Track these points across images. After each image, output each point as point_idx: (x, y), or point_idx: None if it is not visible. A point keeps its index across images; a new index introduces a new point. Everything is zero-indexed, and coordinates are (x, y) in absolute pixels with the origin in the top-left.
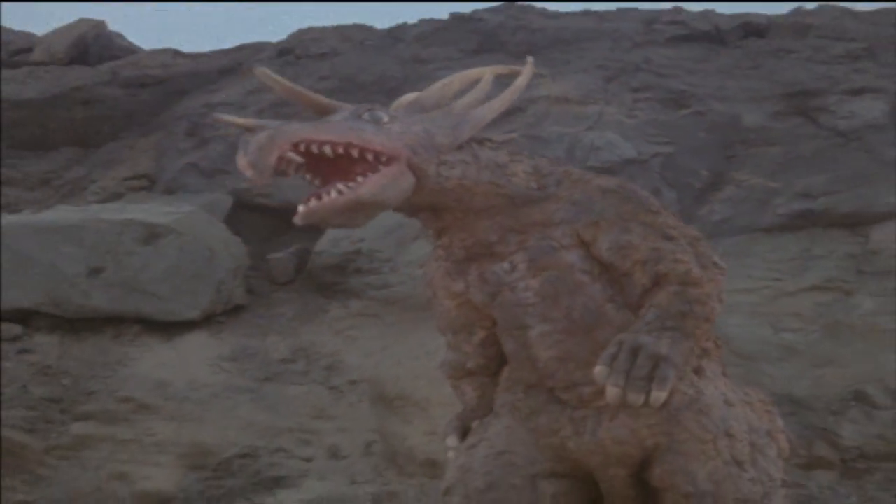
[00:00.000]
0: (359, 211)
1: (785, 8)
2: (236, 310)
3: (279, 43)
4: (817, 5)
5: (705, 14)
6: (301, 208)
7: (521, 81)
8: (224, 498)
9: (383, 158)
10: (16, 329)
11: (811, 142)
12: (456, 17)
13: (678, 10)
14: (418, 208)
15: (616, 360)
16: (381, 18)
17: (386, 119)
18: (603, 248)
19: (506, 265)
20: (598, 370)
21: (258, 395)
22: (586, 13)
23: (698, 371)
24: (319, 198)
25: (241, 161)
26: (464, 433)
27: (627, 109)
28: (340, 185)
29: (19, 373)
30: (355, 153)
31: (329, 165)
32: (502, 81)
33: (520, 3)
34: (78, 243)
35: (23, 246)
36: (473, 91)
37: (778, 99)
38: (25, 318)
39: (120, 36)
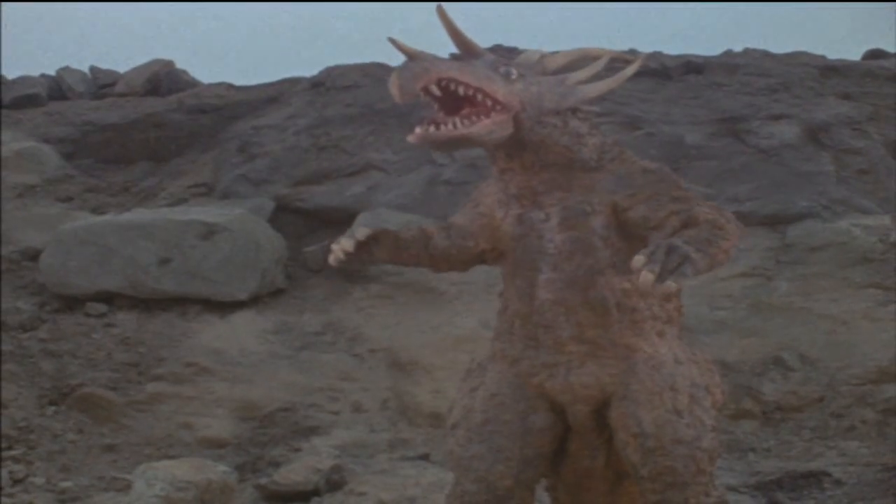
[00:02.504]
0: (462, 143)
1: (718, 50)
2: (278, 292)
3: (312, 77)
4: (743, 48)
5: (654, 55)
6: (418, 130)
7: (627, 71)
8: (269, 443)
9: (497, 107)
10: (102, 308)
11: (740, 157)
12: (457, 57)
13: (633, 52)
14: (500, 147)
15: (654, 254)
16: (397, 57)
17: (514, 76)
18: (640, 210)
19: (542, 214)
20: (637, 259)
21: (295, 361)
22: (560, 54)
23: (660, 334)
24: (437, 127)
25: (393, 83)
26: (373, 237)
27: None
28: (457, 120)
29: (105, 342)
30: (480, 97)
31: (450, 97)
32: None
33: (507, 46)
34: (151, 238)
35: (107, 241)
36: (588, 68)
37: (713, 123)
38: (110, 298)
39: (185, 72)
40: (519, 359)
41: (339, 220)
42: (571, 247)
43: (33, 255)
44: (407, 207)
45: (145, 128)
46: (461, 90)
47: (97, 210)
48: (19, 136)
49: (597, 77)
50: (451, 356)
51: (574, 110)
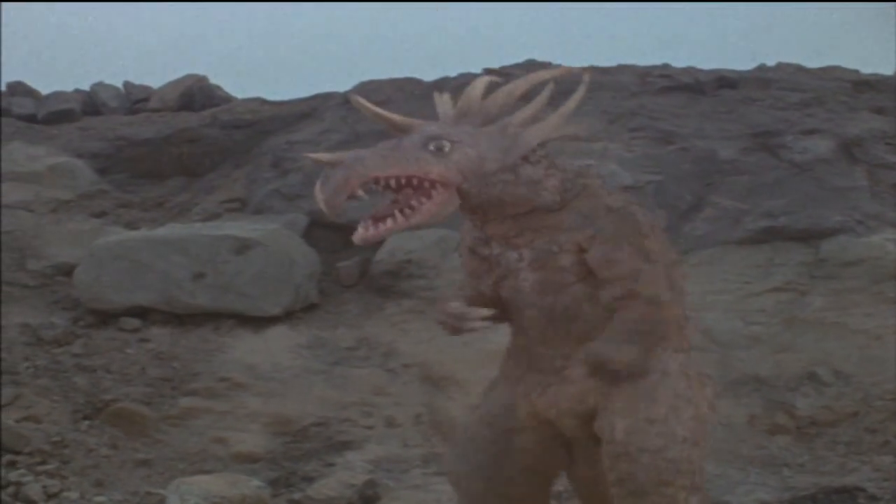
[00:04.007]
0: (414, 228)
1: (751, 65)
2: (311, 307)
3: (345, 92)
4: (777, 63)
5: (688, 70)
6: (360, 230)
7: (570, 105)
8: (302, 458)
9: (437, 186)
10: (136, 322)
11: (773, 172)
12: (488, 72)
13: (666, 66)
14: (463, 211)
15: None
16: (427, 72)
17: (447, 148)
18: (594, 256)
19: (516, 254)
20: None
21: (329, 376)
22: (592, 68)
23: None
24: (377, 224)
25: (319, 197)
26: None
27: (626, 146)
28: (397, 214)
29: (139, 357)
30: (415, 182)
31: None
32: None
33: (540, 60)
34: (185, 253)
35: (141, 256)
36: (531, 105)
37: (746, 137)
38: (144, 313)
39: (218, 88)
40: (520, 379)
41: None
42: (543, 287)
43: (67, 271)
44: (440, 223)
45: (179, 143)
46: (392, 183)
47: (131, 225)
48: (53, 151)
49: (542, 110)
50: (484, 371)
51: (524, 157)
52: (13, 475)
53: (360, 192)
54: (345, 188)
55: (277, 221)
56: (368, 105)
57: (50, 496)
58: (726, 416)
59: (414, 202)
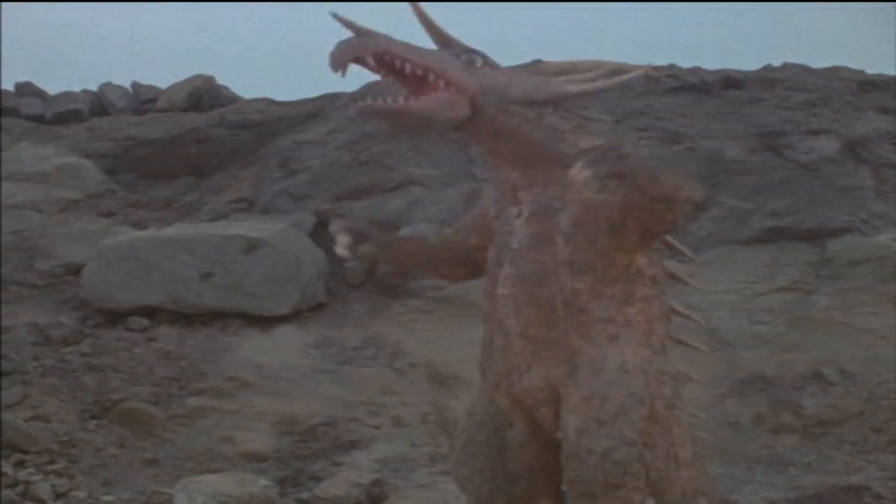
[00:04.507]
0: (407, 121)
1: (757, 65)
2: (319, 307)
3: (352, 92)
4: (782, 63)
5: (694, 70)
6: (360, 103)
7: (621, 77)
8: (309, 457)
9: (452, 89)
10: (144, 322)
11: (779, 172)
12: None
13: (673, 67)
14: (479, 136)
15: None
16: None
17: (478, 63)
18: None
19: (516, 210)
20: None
21: (336, 375)
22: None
23: (612, 338)
24: (375, 99)
25: (330, 53)
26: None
27: (633, 146)
28: (401, 97)
29: (147, 357)
30: (431, 77)
31: (410, 79)
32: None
33: (546, 61)
34: (192, 253)
35: (149, 255)
36: (582, 75)
37: (752, 137)
38: (151, 313)
39: (226, 88)
40: (486, 369)
41: None
42: (531, 242)
43: (75, 270)
44: (447, 222)
45: (186, 143)
46: (408, 67)
47: (139, 225)
48: (61, 151)
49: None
50: None
51: (556, 107)
52: (22, 474)
53: (370, 59)
54: (357, 49)
55: (285, 221)
56: (424, 12)
57: (58, 495)
58: (733, 415)
59: (422, 97)
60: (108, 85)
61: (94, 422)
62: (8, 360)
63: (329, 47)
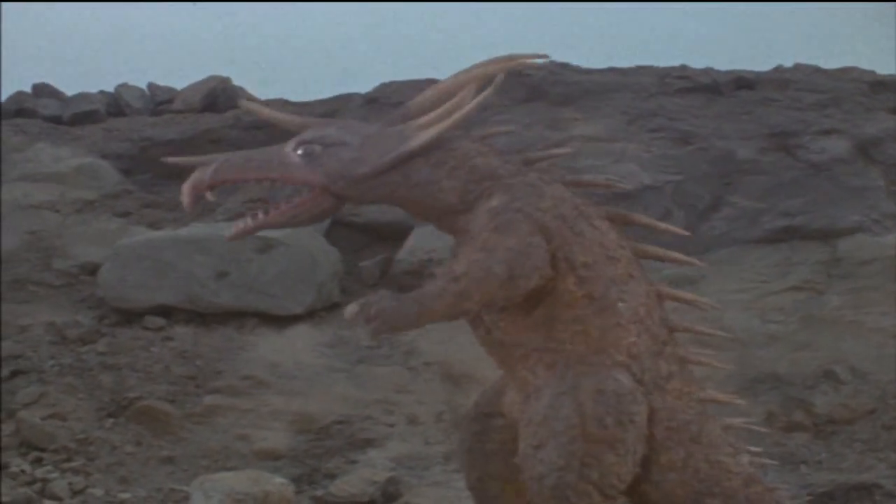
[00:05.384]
0: (279, 228)
1: (769, 66)
2: (334, 306)
3: (366, 94)
4: (794, 64)
5: (706, 70)
6: (231, 229)
7: (464, 110)
8: (324, 456)
9: (304, 189)
10: (160, 321)
11: (790, 172)
12: (508, 73)
13: (685, 67)
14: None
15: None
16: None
17: (317, 152)
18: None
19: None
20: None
21: (351, 374)
22: (612, 69)
23: (549, 365)
24: (242, 221)
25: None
26: None
27: (645, 146)
28: (260, 213)
29: (163, 355)
30: (279, 184)
31: None
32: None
33: (559, 61)
34: (208, 253)
35: (165, 255)
36: (444, 106)
37: (764, 138)
38: (167, 312)
39: (242, 89)
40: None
41: (394, 235)
42: None
43: (92, 270)
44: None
45: (202, 144)
46: (252, 183)
47: (155, 225)
48: (78, 151)
49: (463, 103)
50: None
51: (426, 159)
52: (39, 472)
53: (209, 195)
54: (194, 188)
55: None
56: (261, 109)
57: (75, 493)
58: (744, 413)
59: (283, 205)
60: (125, 86)
61: (111, 420)
62: (25, 358)
63: (344, 47)
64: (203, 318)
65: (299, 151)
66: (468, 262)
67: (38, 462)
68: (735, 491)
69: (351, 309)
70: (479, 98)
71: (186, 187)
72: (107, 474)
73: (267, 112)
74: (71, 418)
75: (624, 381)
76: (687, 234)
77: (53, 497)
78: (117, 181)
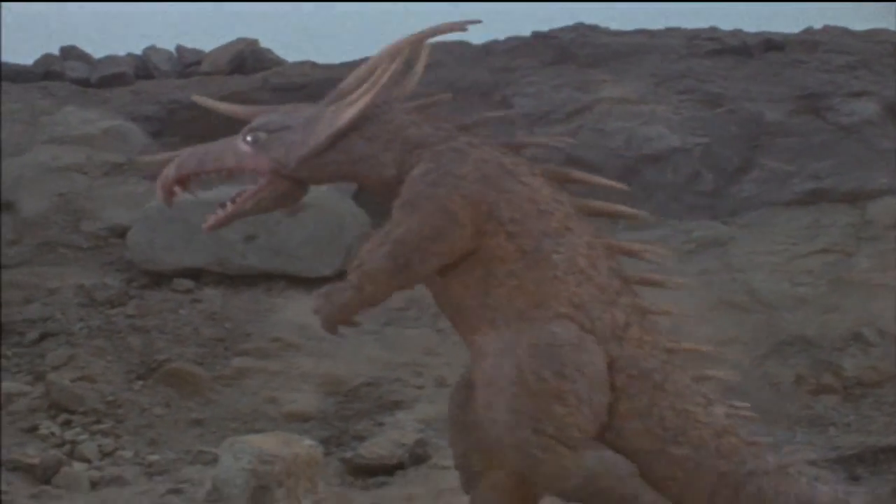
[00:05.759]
0: (249, 215)
1: (798, 28)
2: None
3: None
4: (823, 25)
5: (735, 32)
6: (204, 226)
7: (380, 79)
8: (353, 418)
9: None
10: (189, 284)
11: (820, 134)
12: (537, 35)
13: (714, 29)
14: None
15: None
16: (476, 36)
17: (262, 139)
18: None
19: None
20: None
21: (380, 336)
22: (641, 31)
23: (492, 323)
24: (217, 212)
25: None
26: None
27: (674, 108)
28: (228, 203)
29: (192, 318)
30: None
31: None
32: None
33: (588, 24)
34: None
35: (194, 218)
36: (368, 83)
37: (793, 100)
38: (196, 275)
39: (269, 51)
40: None
41: None
42: None
43: (121, 233)
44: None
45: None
46: (213, 176)
47: None
48: (106, 114)
49: (398, 75)
50: None
51: (361, 133)
52: (69, 434)
53: (178, 191)
54: (165, 185)
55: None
56: (210, 102)
57: (104, 454)
58: (773, 376)
59: (246, 191)
60: (153, 48)
61: (140, 382)
62: (54, 321)
63: (368, 9)
64: (232, 280)
65: (248, 139)
66: (367, 251)
67: (67, 424)
68: (703, 441)
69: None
70: (391, 69)
71: (157, 185)
72: (136, 436)
73: (214, 104)
74: (100, 380)
75: (561, 332)
76: (625, 188)
77: (82, 459)
78: (146, 143)
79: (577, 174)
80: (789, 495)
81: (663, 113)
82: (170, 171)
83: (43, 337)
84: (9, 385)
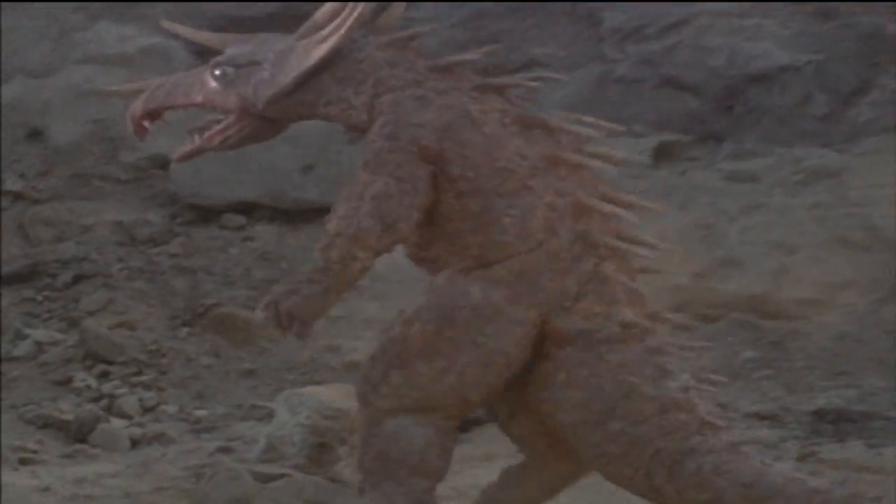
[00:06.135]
0: (218, 151)
1: None
2: None
3: None
4: None
5: None
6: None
7: (349, 18)
8: None
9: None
10: (240, 220)
11: None
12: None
13: None
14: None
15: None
16: None
17: (230, 75)
18: None
19: None
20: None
21: None
22: None
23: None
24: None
25: None
26: None
27: (782, 22)
28: (196, 136)
29: (243, 258)
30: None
31: None
32: None
33: None
34: (293, 143)
35: (245, 147)
36: (343, 15)
37: None
38: (248, 209)
39: None
40: None
41: None
42: None
43: (163, 163)
44: (575, 108)
45: (283, 20)
46: (181, 110)
47: None
48: (146, 31)
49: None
50: None
51: (332, 73)
52: (106, 387)
53: (146, 124)
54: (134, 119)
55: None
56: (180, 28)
57: (146, 409)
58: (892, 322)
59: (213, 126)
60: None
61: (185, 329)
62: (90, 261)
63: None
64: (287, 215)
65: (216, 73)
66: (340, 217)
67: (104, 376)
68: (645, 416)
69: (259, 317)
70: (361, 6)
71: (126, 118)
72: (181, 389)
73: (183, 30)
74: (141, 328)
75: (474, 295)
76: (619, 128)
77: (122, 415)
78: (189, 64)
79: (553, 122)
80: (732, 474)
81: (770, 27)
82: (138, 106)
83: (77, 279)
84: (40, 333)
